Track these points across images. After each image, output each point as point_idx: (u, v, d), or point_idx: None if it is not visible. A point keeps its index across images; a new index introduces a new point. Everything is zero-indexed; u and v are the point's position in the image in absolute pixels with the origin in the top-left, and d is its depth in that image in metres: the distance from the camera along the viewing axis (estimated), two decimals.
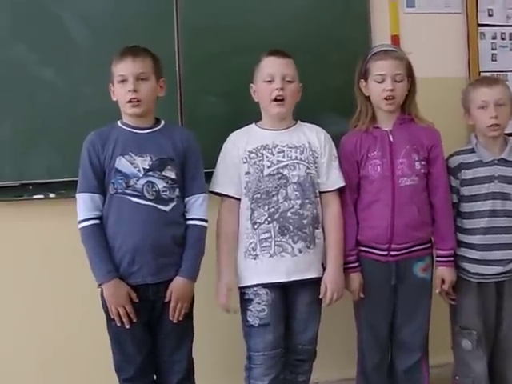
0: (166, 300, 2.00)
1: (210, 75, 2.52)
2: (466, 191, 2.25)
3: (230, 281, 2.11)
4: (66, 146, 2.38)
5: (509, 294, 2.24)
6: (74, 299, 2.47)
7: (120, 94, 2.02)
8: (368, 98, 2.24)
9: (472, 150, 2.26)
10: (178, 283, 2.01)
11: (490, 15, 2.89)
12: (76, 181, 2.04)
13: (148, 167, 2.01)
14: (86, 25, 2.44)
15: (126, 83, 2.00)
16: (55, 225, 2.43)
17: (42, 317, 2.48)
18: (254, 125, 2.21)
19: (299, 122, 2.22)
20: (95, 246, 1.98)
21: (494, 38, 2.89)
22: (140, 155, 2.01)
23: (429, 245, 2.24)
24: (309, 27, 2.62)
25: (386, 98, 2.17)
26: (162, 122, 2.11)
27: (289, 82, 2.13)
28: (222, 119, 2.49)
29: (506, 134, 2.29)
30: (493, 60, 2.88)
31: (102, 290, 1.99)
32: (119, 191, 1.99)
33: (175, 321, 2.01)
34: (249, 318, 2.11)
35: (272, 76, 2.12)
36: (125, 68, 2.00)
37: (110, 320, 2.01)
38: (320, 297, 2.12)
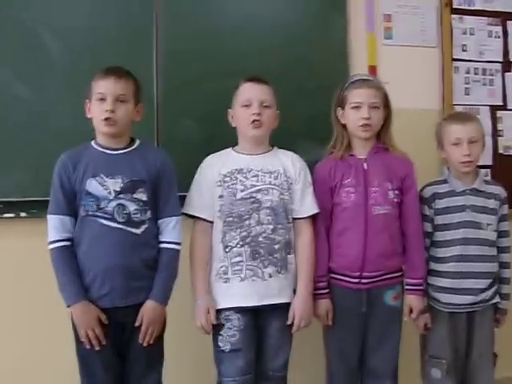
0: (137, 324, 1.97)
1: (188, 99, 2.54)
2: (439, 220, 2.28)
3: (207, 301, 2.09)
4: (38, 165, 2.36)
5: (479, 325, 2.26)
6: (43, 320, 2.43)
7: (96, 111, 2.00)
8: (344, 126, 2.26)
9: (445, 181, 2.30)
10: (149, 307, 1.98)
11: (464, 50, 2.96)
12: (48, 200, 2.02)
13: (119, 189, 1.98)
14: (64, 44, 2.43)
15: (104, 102, 1.98)
16: (26, 244, 2.39)
17: (11, 337, 2.43)
18: (230, 149, 2.22)
19: (275, 147, 2.24)
20: (64, 268, 1.96)
21: (468, 72, 2.97)
22: (111, 177, 1.99)
23: (400, 273, 2.25)
24: (287, 55, 2.66)
25: (362, 126, 2.19)
26: (137, 142, 2.10)
27: (266, 107, 2.15)
28: (198, 143, 2.51)
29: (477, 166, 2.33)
30: (466, 94, 2.95)
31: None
32: (90, 213, 1.97)
33: (145, 344, 1.98)
34: (220, 343, 2.09)
35: (250, 101, 2.14)
36: (106, 87, 1.98)
37: (78, 342, 1.97)
38: (288, 322, 2.11)
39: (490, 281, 2.25)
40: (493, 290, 2.26)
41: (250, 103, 2.14)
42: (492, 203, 2.28)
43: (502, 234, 2.30)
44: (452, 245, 2.24)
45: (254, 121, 2.12)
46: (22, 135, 2.39)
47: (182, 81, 2.54)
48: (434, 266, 2.28)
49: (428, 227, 2.28)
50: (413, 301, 2.22)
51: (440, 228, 2.28)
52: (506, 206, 2.32)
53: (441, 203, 2.27)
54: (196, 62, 2.55)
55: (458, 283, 2.23)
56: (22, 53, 2.40)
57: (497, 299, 2.28)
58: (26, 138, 2.40)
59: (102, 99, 1.98)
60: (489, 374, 2.29)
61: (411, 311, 2.22)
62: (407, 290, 2.23)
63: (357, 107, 2.20)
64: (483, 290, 2.24)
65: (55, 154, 2.05)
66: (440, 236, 2.27)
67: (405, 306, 2.23)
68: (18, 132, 2.39)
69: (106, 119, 1.98)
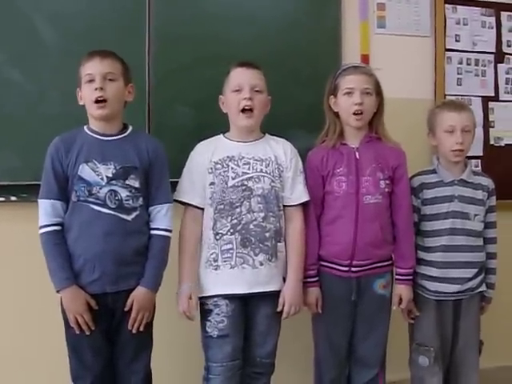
0: (127, 309, 1.98)
1: (180, 85, 2.52)
2: (427, 210, 2.29)
3: (190, 288, 2.09)
4: (30, 149, 2.34)
5: (465, 313, 2.29)
6: (33, 304, 2.43)
7: (87, 94, 1.99)
8: (337, 115, 2.26)
9: (433, 171, 2.32)
10: (140, 293, 1.99)
11: (457, 41, 2.97)
12: (38, 185, 2.00)
13: (111, 175, 1.98)
14: (56, 28, 2.42)
15: (93, 83, 1.97)
16: (16, 228, 2.39)
17: (1, 321, 2.43)
18: (221, 136, 2.21)
19: (267, 134, 2.23)
20: (54, 253, 1.95)
21: (460, 63, 2.97)
22: (104, 163, 1.98)
23: (389, 262, 2.26)
24: (280, 42, 2.65)
25: (354, 113, 2.18)
26: (130, 129, 2.08)
27: (257, 92, 2.13)
28: (190, 129, 2.50)
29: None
30: (458, 84, 2.96)
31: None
32: (81, 199, 1.96)
33: (135, 331, 1.98)
34: (208, 329, 2.10)
35: (241, 86, 2.12)
36: (93, 67, 1.97)
37: (68, 327, 1.97)
38: (278, 309, 2.11)
39: (476, 270, 2.28)
40: (479, 278, 2.29)
41: (240, 88, 2.12)
42: (480, 194, 2.30)
43: (489, 225, 2.33)
44: (439, 235, 2.26)
45: (244, 108, 2.10)
46: (12, 119, 2.38)
47: (174, 66, 2.52)
48: (421, 255, 2.29)
49: (414, 217, 2.29)
50: (402, 290, 2.24)
51: (428, 218, 2.29)
52: (493, 198, 2.34)
53: (428, 193, 2.29)
54: (189, 47, 2.53)
55: (445, 272, 2.25)
56: (13, 37, 2.38)
57: (483, 288, 2.31)
58: (17, 122, 2.38)
59: (91, 80, 1.97)
60: (474, 361, 2.33)
61: (400, 300, 2.24)
62: (397, 279, 2.25)
63: (349, 93, 2.19)
64: (470, 279, 2.27)
65: (46, 137, 2.04)
66: (428, 226, 2.29)
67: (394, 296, 2.25)
68: (9, 116, 2.38)
69: (97, 100, 1.96)
